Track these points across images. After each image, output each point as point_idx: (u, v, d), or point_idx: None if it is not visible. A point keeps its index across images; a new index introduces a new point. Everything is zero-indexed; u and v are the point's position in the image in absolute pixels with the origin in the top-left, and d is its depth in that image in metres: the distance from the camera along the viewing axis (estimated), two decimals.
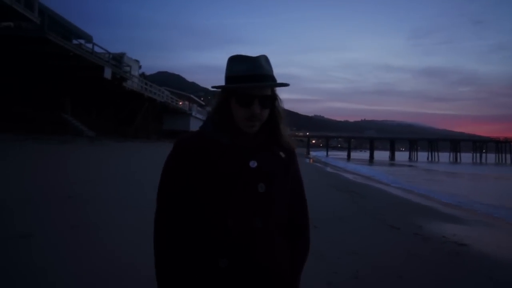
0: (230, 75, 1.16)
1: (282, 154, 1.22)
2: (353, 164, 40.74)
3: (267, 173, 1.16)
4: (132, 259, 3.43)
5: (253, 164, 1.14)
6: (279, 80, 1.20)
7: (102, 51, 24.50)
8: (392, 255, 4.66)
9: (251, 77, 1.12)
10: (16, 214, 4.64)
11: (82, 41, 24.91)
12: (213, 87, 1.21)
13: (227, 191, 1.10)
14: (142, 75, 46.60)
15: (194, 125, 49.64)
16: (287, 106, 1.30)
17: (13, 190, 5.96)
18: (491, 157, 76.29)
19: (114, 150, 17.13)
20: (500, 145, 76.69)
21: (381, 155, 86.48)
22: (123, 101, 28.50)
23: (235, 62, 1.16)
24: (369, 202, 9.63)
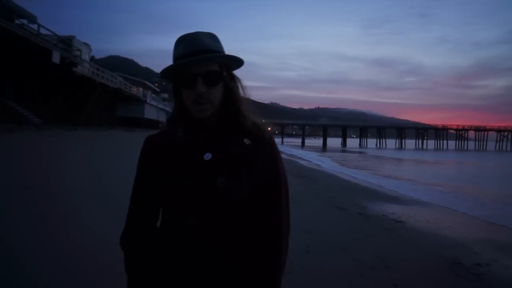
0: (173, 59, 1.07)
1: (246, 141, 1.09)
2: (306, 152, 42.27)
3: (226, 165, 1.05)
4: (97, 245, 3.66)
5: (207, 156, 1.04)
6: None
7: (48, 33, 23.02)
8: (338, 232, 5.29)
9: (188, 54, 1.03)
10: None
11: (25, 21, 23.20)
12: (161, 76, 1.12)
13: (185, 189, 1.03)
14: (92, 59, 44.27)
15: (149, 112, 48.44)
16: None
17: None
18: (431, 143, 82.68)
19: (65, 139, 16.48)
20: (438, 132, 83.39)
21: (334, 141, 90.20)
22: (73, 87, 27.04)
23: (177, 43, 1.08)
24: (320, 186, 10.39)
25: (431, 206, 9.28)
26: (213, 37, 1.09)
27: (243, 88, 1.14)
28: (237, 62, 1.11)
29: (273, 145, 1.15)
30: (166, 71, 1.07)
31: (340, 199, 8.41)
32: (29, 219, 4.26)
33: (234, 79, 1.12)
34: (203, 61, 1.02)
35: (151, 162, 1.10)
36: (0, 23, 16.08)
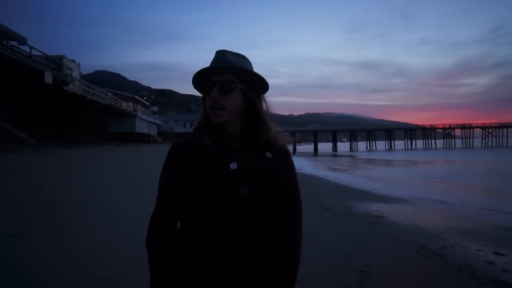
0: None
1: (268, 154, 1.18)
2: (297, 157, 42.95)
3: (249, 174, 1.13)
4: (101, 249, 4.25)
5: (233, 165, 1.12)
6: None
7: (38, 53, 23.51)
8: (322, 228, 5.92)
9: (209, 67, 1.16)
10: None
11: (15, 43, 23.64)
12: (194, 86, 1.23)
13: (209, 195, 1.10)
14: (81, 76, 44.61)
15: (140, 126, 48.74)
16: None
17: None
18: (420, 143, 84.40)
19: (61, 157, 16.90)
20: (426, 132, 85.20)
21: (325, 146, 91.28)
22: (65, 105, 27.47)
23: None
24: (309, 189, 11.03)
25: (411, 203, 9.99)
26: (239, 56, 1.21)
27: (267, 105, 1.25)
28: (256, 77, 1.19)
29: (291, 158, 1.26)
30: (194, 80, 1.20)
31: (327, 200, 9.06)
32: (51, 229, 4.84)
33: (259, 97, 1.23)
34: (214, 69, 1.15)
35: (176, 168, 1.17)
36: None
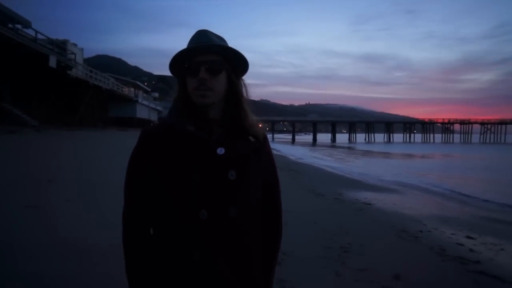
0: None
1: (251, 139, 1.17)
2: (296, 147, 43.39)
3: (237, 159, 1.11)
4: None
5: (220, 151, 1.09)
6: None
7: (43, 37, 23.72)
8: (312, 212, 6.40)
9: (195, 46, 1.11)
10: (9, 192, 5.61)
11: (19, 26, 23.83)
12: (169, 68, 1.17)
13: (196, 181, 1.06)
14: (83, 61, 44.69)
15: (141, 112, 49.12)
16: None
17: None
18: (418, 137, 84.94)
19: (65, 139, 17.34)
20: (425, 126, 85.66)
21: (324, 137, 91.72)
22: (67, 89, 27.81)
23: (189, 40, 1.15)
24: (304, 177, 11.52)
25: (401, 193, 10.48)
26: (220, 37, 1.17)
27: (246, 89, 1.22)
28: (241, 59, 1.16)
29: (268, 142, 1.28)
30: (175, 60, 1.13)
31: (320, 188, 9.53)
32: (63, 203, 5.31)
33: (239, 79, 1.20)
34: (204, 48, 1.10)
35: (151, 157, 1.09)
36: (2, 31, 16.79)
